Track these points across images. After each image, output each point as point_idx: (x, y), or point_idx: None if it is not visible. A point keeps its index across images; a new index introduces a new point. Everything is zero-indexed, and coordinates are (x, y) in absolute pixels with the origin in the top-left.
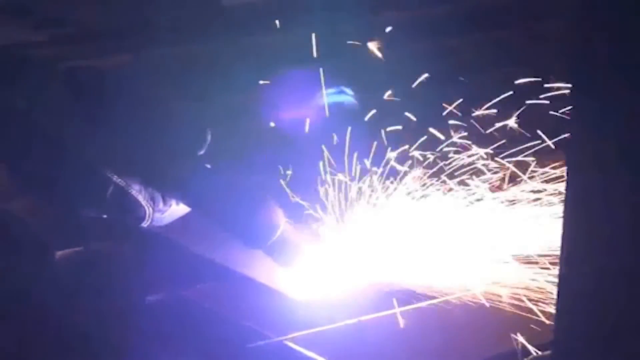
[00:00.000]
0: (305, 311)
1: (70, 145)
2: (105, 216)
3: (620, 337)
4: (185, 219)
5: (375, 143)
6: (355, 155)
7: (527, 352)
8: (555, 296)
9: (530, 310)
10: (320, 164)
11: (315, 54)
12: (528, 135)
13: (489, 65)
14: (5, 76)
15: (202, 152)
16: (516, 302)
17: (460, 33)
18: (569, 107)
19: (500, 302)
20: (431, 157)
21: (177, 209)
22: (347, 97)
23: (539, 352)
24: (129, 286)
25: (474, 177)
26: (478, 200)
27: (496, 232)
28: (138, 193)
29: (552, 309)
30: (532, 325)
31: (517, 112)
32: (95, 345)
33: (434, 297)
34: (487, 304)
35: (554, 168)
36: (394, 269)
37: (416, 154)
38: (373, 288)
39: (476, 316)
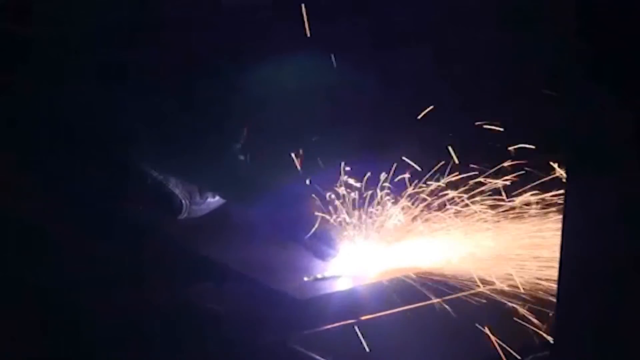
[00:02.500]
0: (305, 311)
1: (110, 142)
2: (141, 208)
3: (620, 336)
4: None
5: None
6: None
7: (526, 352)
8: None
9: (531, 310)
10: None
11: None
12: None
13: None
14: (47, 74)
15: (239, 146)
16: (518, 303)
17: None
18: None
19: (502, 301)
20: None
21: (212, 202)
22: None
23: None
24: (130, 286)
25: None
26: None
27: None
28: (175, 187)
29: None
30: (532, 325)
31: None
32: (95, 345)
33: (437, 296)
34: (488, 304)
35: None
36: (406, 267)
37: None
38: (374, 287)
39: (476, 316)
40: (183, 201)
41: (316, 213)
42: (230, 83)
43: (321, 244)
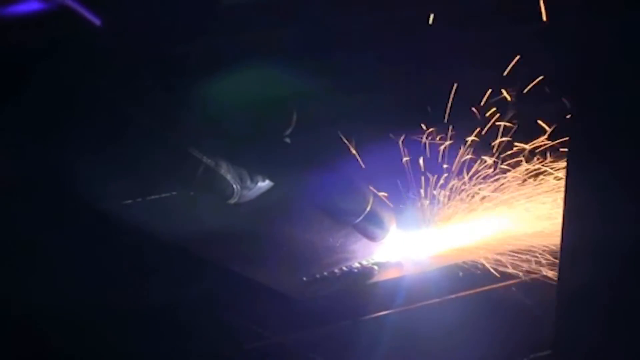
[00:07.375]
0: (305, 311)
1: (162, 130)
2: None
3: (620, 335)
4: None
5: None
6: None
7: (527, 352)
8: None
9: (531, 309)
10: None
11: None
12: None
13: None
14: (92, 66)
15: (288, 132)
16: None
17: None
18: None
19: (503, 301)
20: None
21: (263, 186)
22: None
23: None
24: (127, 285)
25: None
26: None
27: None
28: (227, 172)
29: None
30: (532, 325)
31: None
32: (94, 345)
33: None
34: (489, 303)
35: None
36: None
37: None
38: (374, 286)
39: (476, 316)
40: (234, 186)
41: (368, 193)
42: (277, 68)
43: (371, 226)
